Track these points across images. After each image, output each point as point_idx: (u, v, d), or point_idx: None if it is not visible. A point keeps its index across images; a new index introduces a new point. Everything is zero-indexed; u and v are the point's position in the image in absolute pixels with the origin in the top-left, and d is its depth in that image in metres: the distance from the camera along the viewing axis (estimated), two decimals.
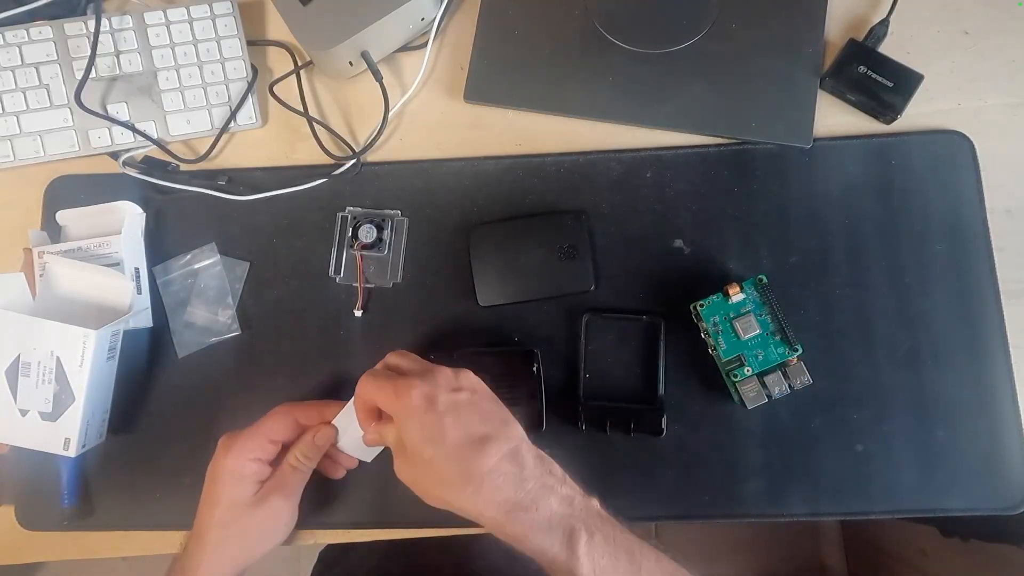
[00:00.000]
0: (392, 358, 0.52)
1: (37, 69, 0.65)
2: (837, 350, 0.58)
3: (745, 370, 0.55)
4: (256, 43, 0.67)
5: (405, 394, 0.46)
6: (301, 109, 0.65)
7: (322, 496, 0.59)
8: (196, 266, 0.62)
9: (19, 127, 0.65)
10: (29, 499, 0.61)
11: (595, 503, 0.46)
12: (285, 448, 0.55)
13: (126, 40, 0.65)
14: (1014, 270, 0.59)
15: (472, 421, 0.45)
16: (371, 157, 0.65)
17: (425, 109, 0.66)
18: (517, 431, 0.47)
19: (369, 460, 0.57)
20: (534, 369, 0.57)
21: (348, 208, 0.63)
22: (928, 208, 0.60)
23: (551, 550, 0.42)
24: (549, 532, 0.42)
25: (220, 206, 0.63)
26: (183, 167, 0.65)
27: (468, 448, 0.44)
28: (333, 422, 0.55)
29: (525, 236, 0.60)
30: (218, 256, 0.62)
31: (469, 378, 0.49)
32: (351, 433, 0.54)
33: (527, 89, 0.64)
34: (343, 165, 0.63)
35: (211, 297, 0.62)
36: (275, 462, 0.54)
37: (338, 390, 0.60)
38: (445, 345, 0.60)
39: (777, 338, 0.55)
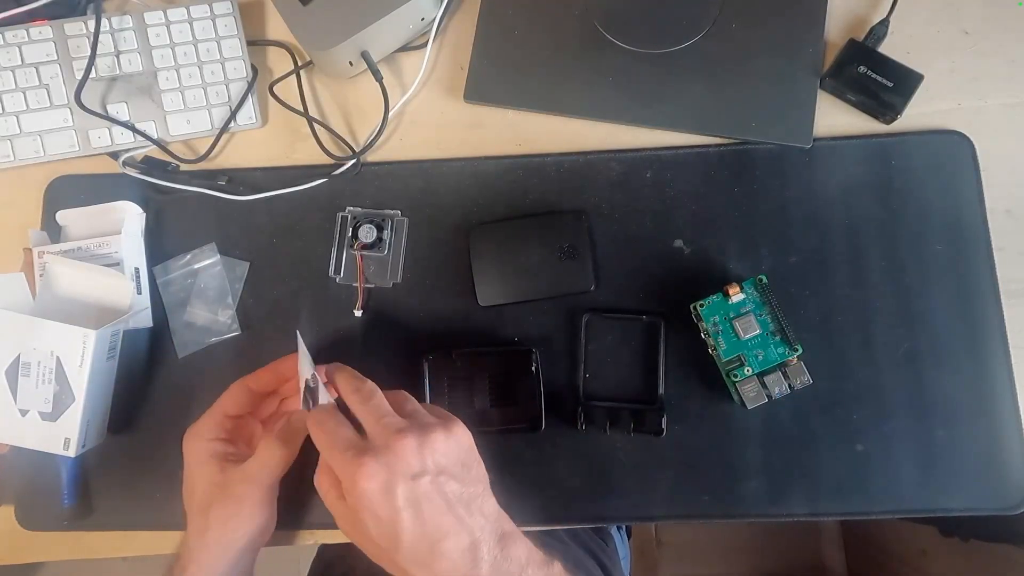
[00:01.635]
0: (354, 402, 0.46)
1: (37, 69, 0.65)
2: (837, 350, 0.58)
3: (745, 370, 0.55)
4: (256, 43, 0.67)
5: (358, 480, 0.41)
6: (301, 109, 0.65)
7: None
8: (196, 266, 0.62)
9: (19, 127, 0.65)
10: (29, 499, 0.61)
11: (557, 569, 0.45)
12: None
13: (126, 40, 0.65)
14: (1014, 270, 0.59)
15: (430, 517, 0.42)
16: (371, 157, 0.65)
17: (425, 109, 0.66)
18: (478, 520, 0.43)
19: None
20: (533, 369, 0.57)
21: (348, 208, 0.63)
22: (928, 208, 0.60)
23: None
24: None
25: (220, 206, 0.63)
26: (183, 167, 0.65)
27: (423, 548, 0.42)
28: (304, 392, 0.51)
29: (525, 236, 0.60)
30: (218, 256, 0.62)
31: (438, 449, 0.43)
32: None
33: (527, 89, 0.64)
34: (343, 165, 0.63)
35: (211, 297, 0.62)
36: (237, 436, 0.54)
37: None
38: (445, 345, 0.60)
39: (777, 338, 0.55)
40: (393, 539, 0.42)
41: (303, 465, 0.59)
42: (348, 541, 0.60)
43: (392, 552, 0.42)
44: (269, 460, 0.52)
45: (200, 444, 0.53)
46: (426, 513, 0.42)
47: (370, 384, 0.48)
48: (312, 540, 0.60)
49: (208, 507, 0.51)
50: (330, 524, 0.59)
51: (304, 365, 0.52)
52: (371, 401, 0.46)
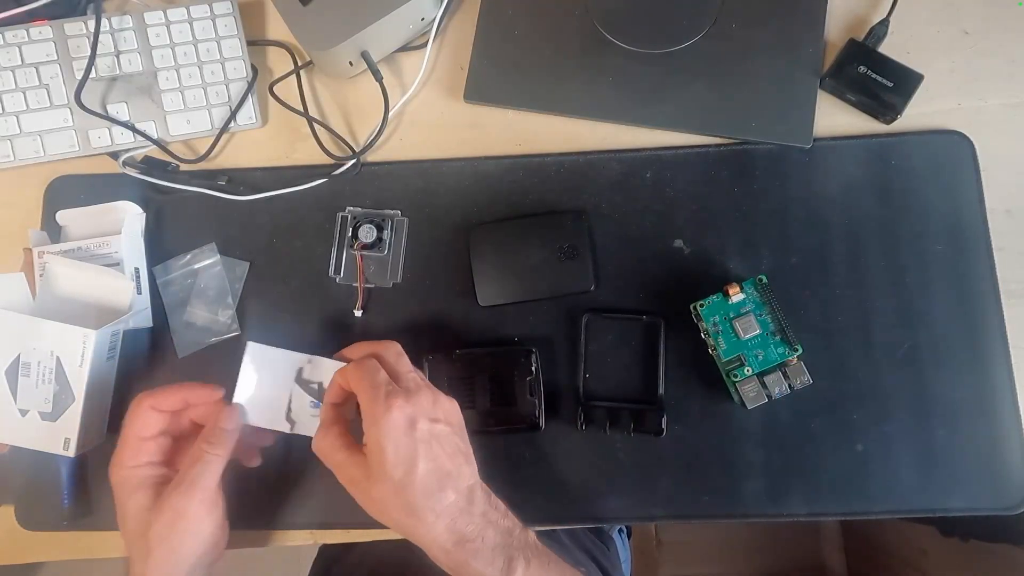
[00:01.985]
0: (389, 354, 0.52)
1: (37, 69, 0.65)
2: (837, 350, 0.58)
3: (745, 370, 0.55)
4: (256, 43, 0.67)
5: (389, 408, 0.46)
6: (301, 109, 0.65)
7: (321, 495, 0.59)
8: (196, 266, 0.62)
9: (19, 127, 0.65)
10: (29, 499, 0.61)
11: (532, 535, 0.50)
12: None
13: (126, 40, 0.65)
14: (1014, 270, 0.59)
15: (441, 455, 0.47)
16: (371, 157, 0.65)
17: (425, 109, 0.66)
18: (472, 469, 0.50)
19: (289, 431, 0.54)
20: (533, 369, 0.57)
21: (348, 208, 0.63)
22: (928, 208, 0.60)
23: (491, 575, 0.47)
24: (491, 561, 0.47)
25: (220, 206, 0.63)
26: (183, 167, 0.65)
27: (434, 482, 0.47)
28: (236, 400, 0.53)
29: (525, 236, 0.60)
30: (218, 256, 0.62)
31: (446, 409, 0.50)
32: (262, 405, 0.54)
33: (527, 89, 0.64)
34: (343, 165, 0.63)
35: (211, 297, 0.62)
36: (165, 459, 0.52)
37: None
38: (445, 345, 0.60)
39: (777, 338, 0.55)
40: (409, 470, 0.46)
41: (301, 465, 0.59)
42: (349, 542, 0.60)
43: (405, 484, 0.46)
44: (201, 464, 0.50)
45: (124, 473, 0.50)
46: (437, 451, 0.47)
47: (398, 346, 0.53)
48: (312, 540, 0.60)
49: (146, 530, 0.49)
50: (330, 524, 0.59)
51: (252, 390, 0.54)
52: (401, 359, 0.52)
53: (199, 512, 0.50)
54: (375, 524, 0.59)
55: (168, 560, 0.49)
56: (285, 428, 0.55)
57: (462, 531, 0.47)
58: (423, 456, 0.46)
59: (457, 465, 0.48)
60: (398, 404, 0.47)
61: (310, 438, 0.52)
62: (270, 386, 0.55)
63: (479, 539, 0.47)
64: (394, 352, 0.52)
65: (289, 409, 0.55)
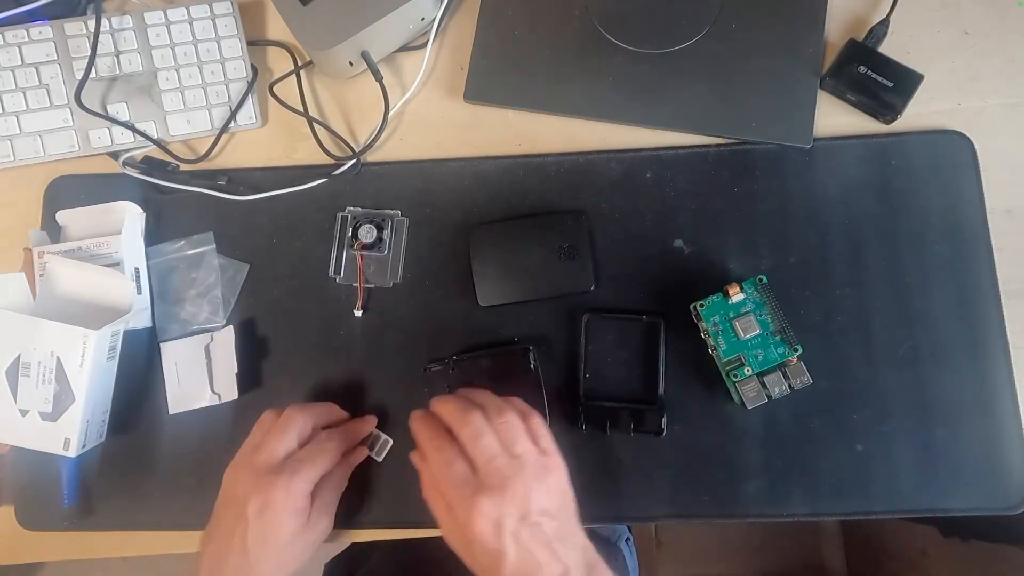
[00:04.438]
0: (465, 438, 0.49)
1: (37, 69, 0.65)
2: (837, 350, 0.58)
3: (745, 370, 0.55)
4: (256, 43, 0.67)
5: (475, 516, 0.46)
6: (301, 109, 0.65)
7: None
8: (190, 252, 0.63)
9: (19, 127, 0.65)
10: (29, 499, 0.61)
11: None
12: None
13: (126, 40, 0.65)
14: (1014, 270, 0.59)
15: (532, 549, 0.46)
16: (371, 157, 0.65)
17: (425, 109, 0.66)
18: (571, 551, 0.47)
19: (220, 402, 0.60)
20: (531, 365, 0.57)
21: (348, 208, 0.63)
22: (928, 208, 0.60)
23: None
24: None
25: (220, 206, 0.63)
26: (183, 167, 0.65)
27: (520, 574, 0.46)
28: (169, 396, 0.60)
29: (525, 236, 0.60)
30: (213, 245, 0.62)
31: (540, 493, 0.48)
32: (188, 390, 0.60)
33: (527, 89, 0.64)
34: (343, 165, 0.63)
35: (205, 293, 0.62)
36: None
37: (338, 390, 0.60)
38: (445, 345, 0.60)
39: (777, 338, 0.55)
40: (496, 566, 0.46)
41: None
42: (366, 541, 0.60)
43: (492, 572, 0.46)
44: (340, 485, 0.56)
45: (303, 502, 0.52)
46: (527, 547, 0.46)
47: (477, 419, 0.49)
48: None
49: (285, 551, 0.52)
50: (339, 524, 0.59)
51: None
52: (480, 442, 0.49)
53: (329, 525, 0.56)
54: (375, 524, 0.59)
55: (298, 565, 0.54)
56: (215, 401, 0.60)
57: None
58: (511, 555, 0.45)
59: (551, 553, 0.46)
60: (481, 512, 0.46)
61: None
62: (189, 372, 0.60)
63: None
64: (469, 436, 0.49)
65: (211, 384, 0.60)
